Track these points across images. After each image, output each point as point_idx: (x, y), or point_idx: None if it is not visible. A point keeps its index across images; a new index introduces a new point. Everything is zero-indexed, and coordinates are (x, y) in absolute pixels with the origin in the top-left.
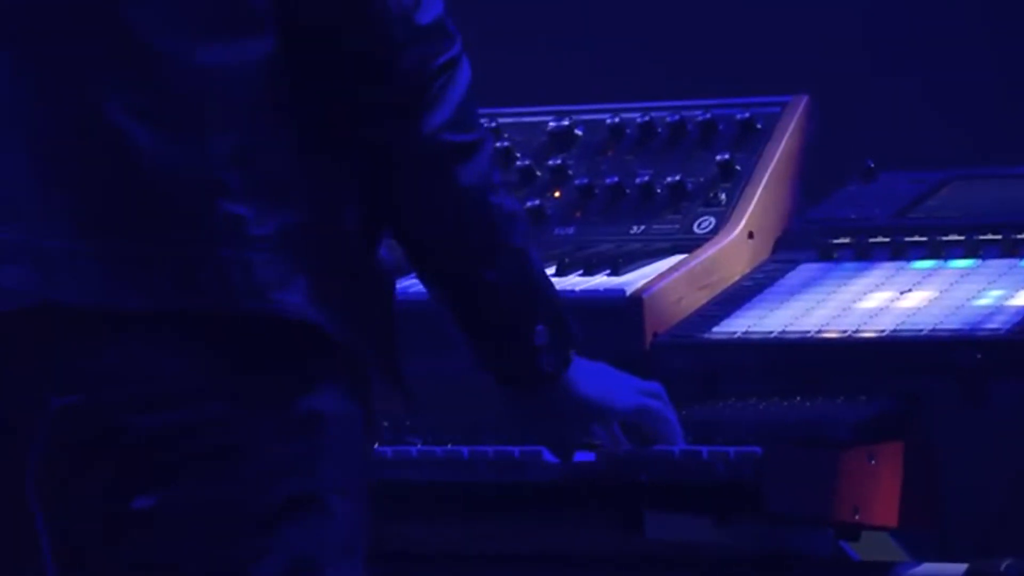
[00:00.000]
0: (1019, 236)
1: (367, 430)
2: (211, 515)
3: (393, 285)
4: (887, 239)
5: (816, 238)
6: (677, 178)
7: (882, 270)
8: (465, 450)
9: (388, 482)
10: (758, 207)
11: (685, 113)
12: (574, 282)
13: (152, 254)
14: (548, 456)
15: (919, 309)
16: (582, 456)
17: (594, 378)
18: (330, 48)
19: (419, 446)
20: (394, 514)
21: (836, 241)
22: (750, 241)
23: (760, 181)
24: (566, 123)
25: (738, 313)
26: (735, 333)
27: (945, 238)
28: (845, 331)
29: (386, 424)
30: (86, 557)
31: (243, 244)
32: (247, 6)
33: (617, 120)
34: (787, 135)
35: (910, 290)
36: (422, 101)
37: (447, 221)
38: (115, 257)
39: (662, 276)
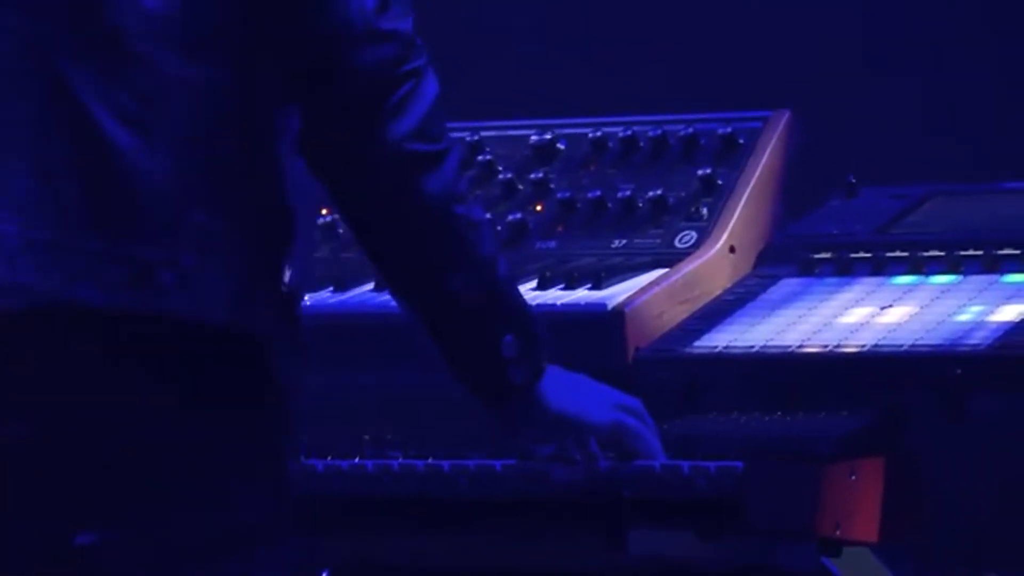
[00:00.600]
0: (1000, 252)
1: (288, 459)
2: (151, 551)
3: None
4: (868, 254)
5: (797, 253)
6: (659, 192)
7: (863, 285)
8: (446, 464)
9: (368, 496)
10: (739, 222)
11: (667, 128)
12: (555, 296)
13: (116, 254)
14: (530, 471)
15: (900, 324)
16: (558, 471)
17: (570, 390)
18: (295, 54)
19: (400, 460)
20: (374, 528)
21: (817, 256)
22: (731, 256)
23: (742, 196)
24: (548, 137)
25: (719, 328)
26: (716, 347)
27: (926, 254)
28: (826, 346)
29: (367, 438)
30: None
31: (206, 255)
32: (216, 23)
33: (599, 134)
34: (769, 150)
35: (891, 305)
36: (385, 107)
37: (411, 231)
38: (80, 251)
39: (643, 290)
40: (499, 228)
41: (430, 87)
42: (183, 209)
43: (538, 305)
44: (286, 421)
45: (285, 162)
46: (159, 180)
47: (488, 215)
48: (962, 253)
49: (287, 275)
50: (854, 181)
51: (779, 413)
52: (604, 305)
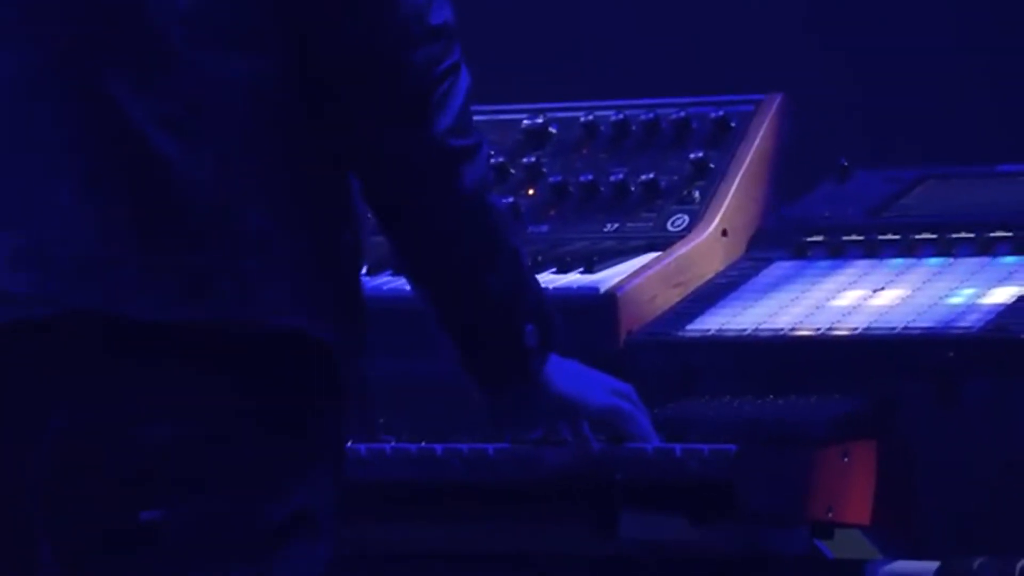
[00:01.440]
0: (992, 235)
1: (344, 445)
2: (218, 531)
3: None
4: (861, 237)
5: (790, 236)
6: (651, 176)
7: (855, 268)
8: (439, 448)
9: (362, 481)
10: (732, 205)
11: (659, 111)
12: (548, 280)
13: (166, 264)
14: (523, 455)
15: (892, 307)
16: (551, 454)
17: (567, 375)
18: (342, 52)
19: (393, 444)
20: (367, 513)
21: (810, 239)
22: (724, 239)
23: (734, 179)
24: (540, 121)
25: (712, 311)
26: (709, 331)
27: (918, 236)
28: (818, 329)
29: (356, 423)
30: (90, 571)
31: (257, 258)
32: (255, 20)
33: (591, 118)
34: (761, 133)
35: (883, 288)
36: (428, 105)
37: (447, 224)
38: (128, 265)
39: (636, 274)
40: None
41: (465, 79)
42: (233, 213)
43: None
44: (342, 419)
45: (332, 165)
46: (206, 185)
47: None
48: (954, 236)
49: (352, 271)
50: (846, 164)
51: (771, 396)
52: (596, 289)
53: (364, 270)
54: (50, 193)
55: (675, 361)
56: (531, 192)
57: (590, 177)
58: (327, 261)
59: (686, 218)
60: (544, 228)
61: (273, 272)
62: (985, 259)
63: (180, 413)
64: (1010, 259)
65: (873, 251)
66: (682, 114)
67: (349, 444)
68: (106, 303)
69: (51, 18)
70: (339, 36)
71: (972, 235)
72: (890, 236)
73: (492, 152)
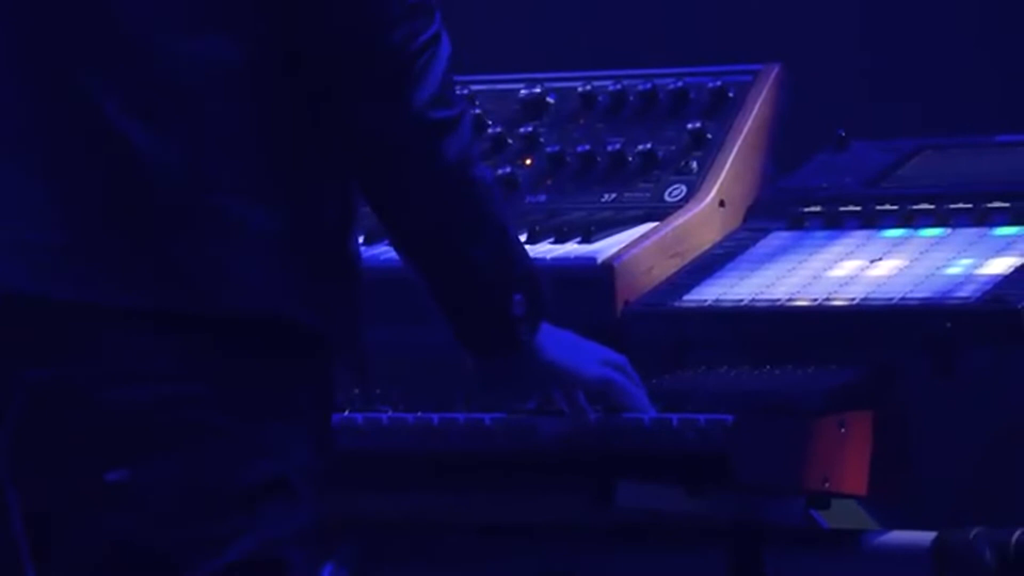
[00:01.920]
0: (989, 205)
1: (329, 416)
2: (186, 493)
3: (361, 276)
4: (858, 208)
5: (787, 207)
6: (648, 146)
7: (853, 239)
8: (435, 417)
9: (359, 450)
10: (729, 175)
11: (657, 81)
12: (545, 250)
13: (137, 249)
14: (519, 425)
15: (889, 278)
16: (547, 424)
17: (561, 345)
18: (319, 31)
19: (390, 414)
20: (364, 483)
21: (807, 210)
22: (721, 209)
23: (731, 149)
24: (538, 91)
25: (709, 281)
26: (706, 301)
27: (916, 207)
28: (815, 299)
29: (356, 392)
30: (59, 531)
31: (231, 240)
32: (224, 1)
33: (589, 88)
34: (759, 104)
35: (880, 259)
36: (408, 79)
37: (431, 197)
38: (98, 252)
39: (633, 244)
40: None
41: (444, 50)
42: (203, 195)
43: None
44: (322, 391)
45: (311, 144)
46: (175, 168)
47: None
48: (952, 206)
49: (338, 250)
50: (844, 135)
51: (768, 367)
52: (594, 259)
53: (360, 241)
54: (17, 183)
55: (672, 332)
56: (528, 162)
57: (587, 147)
58: (308, 241)
59: (683, 188)
60: (541, 198)
61: (244, 255)
62: (983, 229)
63: (147, 377)
64: (1007, 230)
65: (870, 222)
66: (679, 84)
67: (346, 414)
68: (76, 293)
69: (14, 8)
70: (317, 15)
71: (970, 206)
72: (887, 207)
73: (489, 122)
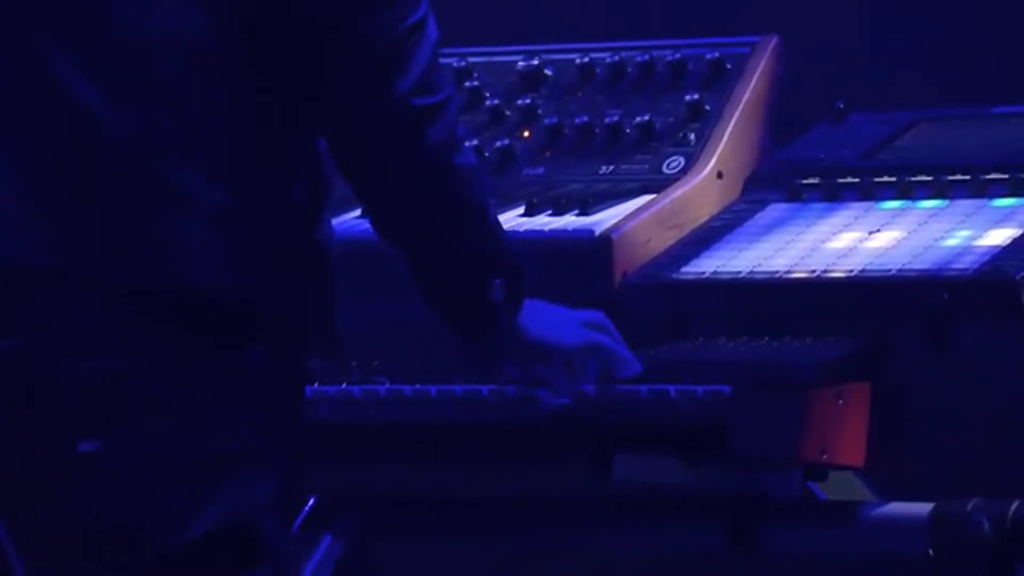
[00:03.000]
0: (987, 177)
1: (299, 391)
2: (154, 463)
3: (332, 258)
4: (856, 180)
5: (785, 179)
6: (646, 118)
7: (851, 210)
8: (433, 389)
9: (356, 422)
10: (727, 147)
11: (655, 53)
12: (543, 222)
13: (87, 217)
14: (517, 396)
15: (887, 249)
16: (544, 396)
17: (540, 317)
18: (303, 14)
19: (387, 385)
20: (361, 454)
21: (805, 182)
22: (719, 181)
23: (729, 121)
24: (535, 63)
25: (707, 253)
26: (704, 273)
27: (913, 179)
28: (814, 271)
29: (354, 364)
30: (28, 502)
31: (183, 213)
32: None
33: (587, 60)
34: (756, 75)
35: (878, 230)
36: (391, 65)
37: (416, 184)
38: (48, 217)
39: (631, 216)
40: (486, 154)
41: (431, 36)
42: (157, 165)
43: (525, 231)
44: (285, 365)
45: (278, 122)
46: (131, 137)
47: (476, 142)
48: (950, 178)
49: (301, 232)
50: (842, 106)
51: (766, 339)
52: (592, 231)
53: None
54: None
55: (670, 304)
56: (526, 134)
57: (585, 119)
58: (268, 221)
59: (681, 160)
60: (539, 170)
61: (193, 226)
62: (981, 201)
63: (110, 348)
64: (1006, 201)
65: (868, 193)
66: (677, 56)
67: (343, 386)
68: (17, 252)
69: None
70: (297, 6)
71: (967, 177)
72: (885, 179)
73: (487, 94)
